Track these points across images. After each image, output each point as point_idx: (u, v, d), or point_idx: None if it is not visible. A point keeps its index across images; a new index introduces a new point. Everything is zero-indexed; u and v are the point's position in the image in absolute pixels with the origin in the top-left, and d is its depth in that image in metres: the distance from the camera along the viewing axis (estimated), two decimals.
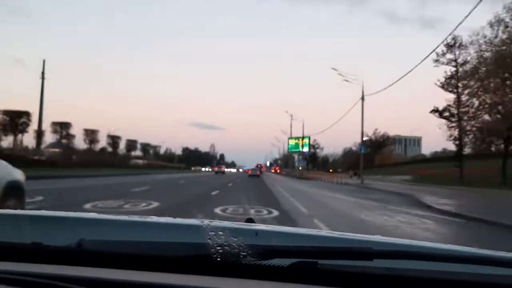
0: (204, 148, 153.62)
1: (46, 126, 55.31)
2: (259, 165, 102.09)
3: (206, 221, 0.98)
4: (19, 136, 55.93)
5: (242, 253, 0.85)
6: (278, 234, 1.02)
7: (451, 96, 36.50)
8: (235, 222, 1.07)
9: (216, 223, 0.98)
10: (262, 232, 0.99)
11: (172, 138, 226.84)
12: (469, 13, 16.97)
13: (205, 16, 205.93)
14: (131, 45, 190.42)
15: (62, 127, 66.68)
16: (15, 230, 0.98)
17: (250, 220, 1.18)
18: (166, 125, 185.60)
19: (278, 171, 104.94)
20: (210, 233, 0.89)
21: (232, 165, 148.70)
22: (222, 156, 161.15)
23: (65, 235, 0.94)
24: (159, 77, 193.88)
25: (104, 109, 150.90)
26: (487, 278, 0.85)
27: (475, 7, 15.67)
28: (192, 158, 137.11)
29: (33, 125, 55.36)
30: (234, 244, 0.86)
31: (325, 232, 1.05)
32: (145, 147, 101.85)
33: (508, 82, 30.42)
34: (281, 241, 0.96)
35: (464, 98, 35.36)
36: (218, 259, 0.86)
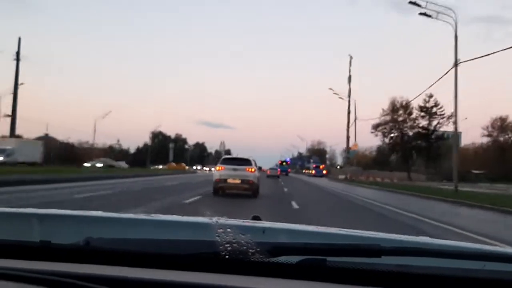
0: (213, 146, 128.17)
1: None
2: (284, 163, 73.05)
3: (215, 219, 0.98)
4: None
5: (250, 250, 0.86)
6: (285, 231, 1.02)
7: None
8: (243, 220, 1.07)
9: (224, 220, 0.99)
10: (270, 230, 1.00)
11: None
12: None
13: (213, 13, 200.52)
14: (133, 40, 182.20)
15: None
16: (25, 228, 0.98)
17: (256, 218, 1.18)
18: (174, 123, 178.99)
19: (324, 171, 67.93)
20: (219, 230, 0.90)
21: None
22: (228, 152, 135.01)
23: (73, 233, 0.94)
24: (164, 74, 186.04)
25: (108, 107, 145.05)
26: (496, 275, 0.86)
27: None
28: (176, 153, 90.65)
29: None
30: (242, 242, 0.87)
31: (333, 229, 1.05)
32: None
33: None
34: (289, 238, 0.96)
35: None
36: (227, 256, 0.86)
